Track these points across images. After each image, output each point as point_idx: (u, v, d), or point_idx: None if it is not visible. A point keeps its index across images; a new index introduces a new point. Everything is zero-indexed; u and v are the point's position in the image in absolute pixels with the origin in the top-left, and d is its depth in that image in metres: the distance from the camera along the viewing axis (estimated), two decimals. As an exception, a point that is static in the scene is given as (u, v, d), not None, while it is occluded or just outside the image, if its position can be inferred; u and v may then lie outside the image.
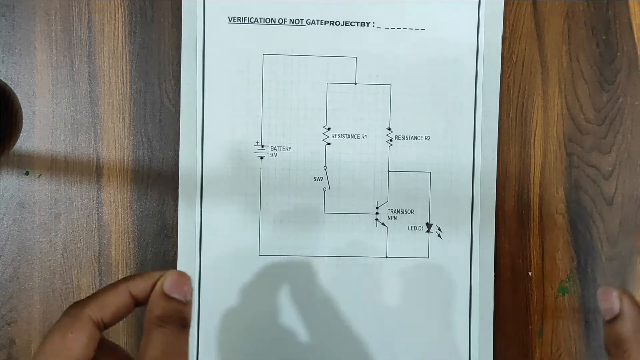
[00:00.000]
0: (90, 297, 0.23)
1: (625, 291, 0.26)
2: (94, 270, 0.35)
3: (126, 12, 0.35)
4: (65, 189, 0.35)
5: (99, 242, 0.35)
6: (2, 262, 0.35)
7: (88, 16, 0.35)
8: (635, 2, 0.36)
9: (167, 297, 0.24)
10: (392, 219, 0.35)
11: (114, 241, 0.35)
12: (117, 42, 0.35)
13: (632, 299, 0.26)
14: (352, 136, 0.35)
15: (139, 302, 0.24)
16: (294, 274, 0.35)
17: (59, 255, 0.35)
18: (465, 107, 0.35)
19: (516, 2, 0.36)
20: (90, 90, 0.35)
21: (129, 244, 0.35)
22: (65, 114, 0.35)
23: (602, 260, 0.36)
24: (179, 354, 0.23)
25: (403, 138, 0.35)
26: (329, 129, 0.35)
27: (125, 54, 0.35)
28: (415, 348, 0.35)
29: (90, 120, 0.35)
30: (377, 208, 0.35)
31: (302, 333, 0.35)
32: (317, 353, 0.35)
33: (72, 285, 0.35)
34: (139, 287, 0.24)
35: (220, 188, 0.35)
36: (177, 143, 0.35)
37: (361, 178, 0.35)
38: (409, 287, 0.35)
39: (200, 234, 0.35)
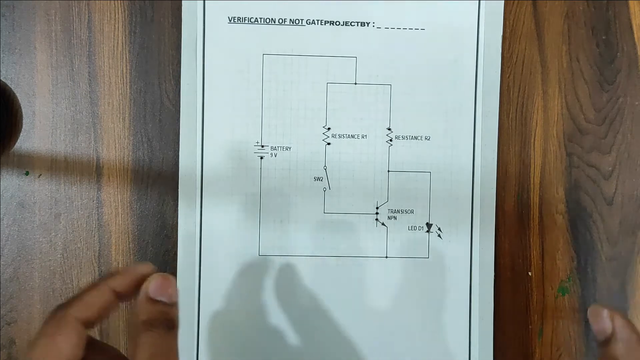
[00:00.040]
0: (74, 299, 0.23)
1: (616, 311, 0.26)
2: (94, 270, 0.35)
3: (126, 12, 0.35)
4: (65, 189, 0.35)
5: (99, 242, 0.35)
6: (2, 262, 0.35)
7: (88, 16, 0.35)
8: (636, 2, 0.36)
9: (153, 301, 0.24)
10: (392, 219, 0.35)
11: (114, 241, 0.35)
12: (117, 42, 0.35)
13: (623, 318, 0.26)
14: (352, 136, 0.35)
15: (123, 298, 0.24)
16: (294, 274, 0.35)
17: (59, 255, 0.35)
18: (465, 107, 0.35)
19: (516, 2, 0.36)
20: (90, 90, 0.35)
21: (129, 244, 0.35)
22: (65, 114, 0.35)
23: (602, 260, 0.36)
24: (168, 356, 0.23)
25: (403, 138, 0.35)
26: (329, 129, 0.35)
27: (125, 54, 0.35)
28: (415, 348, 0.35)
29: (90, 120, 0.35)
30: (377, 208, 0.35)
31: (302, 333, 0.35)
32: (317, 353, 0.35)
33: (72, 285, 0.35)
34: (120, 283, 0.24)
35: (220, 188, 0.35)
36: (177, 143, 0.35)
37: (361, 178, 0.35)
38: (409, 287, 0.35)
39: (200, 233, 0.35)
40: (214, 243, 0.35)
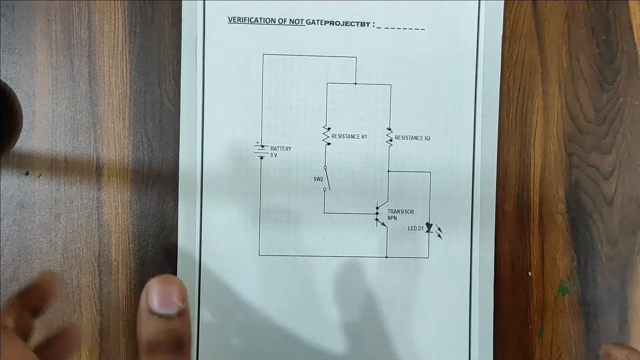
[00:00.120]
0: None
1: (632, 350, 0.24)
2: (94, 270, 0.35)
3: (126, 12, 0.35)
4: (65, 189, 0.35)
5: (99, 242, 0.35)
6: (2, 262, 0.35)
7: (88, 16, 0.35)
8: (636, 2, 0.36)
9: (156, 316, 0.20)
10: (392, 219, 0.35)
11: (114, 241, 0.35)
12: (117, 42, 0.35)
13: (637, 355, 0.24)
14: (352, 136, 0.35)
15: (38, 311, 0.23)
16: (294, 274, 0.35)
17: (59, 255, 0.35)
18: (465, 107, 0.35)
19: (516, 2, 0.36)
20: (90, 90, 0.35)
21: (129, 244, 0.35)
22: (65, 114, 0.35)
23: (602, 260, 0.36)
24: None
25: (403, 138, 0.35)
26: (329, 129, 0.35)
27: (125, 54, 0.35)
28: (415, 348, 0.35)
29: (90, 120, 0.35)
30: (377, 208, 0.35)
31: (301, 333, 0.35)
32: (316, 353, 0.35)
33: (72, 285, 0.35)
34: (27, 301, 0.23)
35: (220, 188, 0.35)
36: (177, 143, 0.35)
37: (361, 178, 0.35)
38: (409, 287, 0.35)
39: (200, 234, 0.35)
40: (214, 243, 0.35)
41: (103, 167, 0.35)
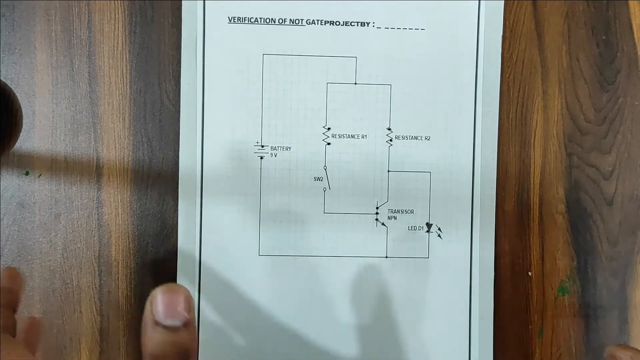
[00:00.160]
0: None
1: (637, 351, 0.23)
2: (94, 270, 0.35)
3: (126, 12, 0.35)
4: (65, 189, 0.35)
5: (99, 242, 0.35)
6: (2, 262, 0.35)
7: (88, 16, 0.35)
8: (636, 2, 0.36)
9: (161, 326, 0.19)
10: (392, 219, 0.35)
11: (114, 241, 0.35)
12: (117, 42, 0.35)
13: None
14: (352, 136, 0.35)
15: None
16: (294, 274, 0.35)
17: (59, 255, 0.35)
18: (465, 107, 0.35)
19: (516, 2, 0.36)
20: (90, 90, 0.35)
21: (129, 244, 0.35)
22: (65, 114, 0.35)
23: (602, 260, 0.36)
24: None
25: (403, 138, 0.35)
26: (329, 129, 0.35)
27: (125, 54, 0.35)
28: (415, 348, 0.35)
29: (90, 120, 0.35)
30: (377, 208, 0.35)
31: (301, 333, 0.35)
32: (316, 353, 0.35)
33: (72, 285, 0.35)
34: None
35: (220, 188, 0.35)
36: (177, 143, 0.35)
37: (361, 178, 0.35)
38: (409, 287, 0.35)
39: (200, 234, 0.35)
40: (214, 243, 0.35)
41: (103, 167, 0.35)
